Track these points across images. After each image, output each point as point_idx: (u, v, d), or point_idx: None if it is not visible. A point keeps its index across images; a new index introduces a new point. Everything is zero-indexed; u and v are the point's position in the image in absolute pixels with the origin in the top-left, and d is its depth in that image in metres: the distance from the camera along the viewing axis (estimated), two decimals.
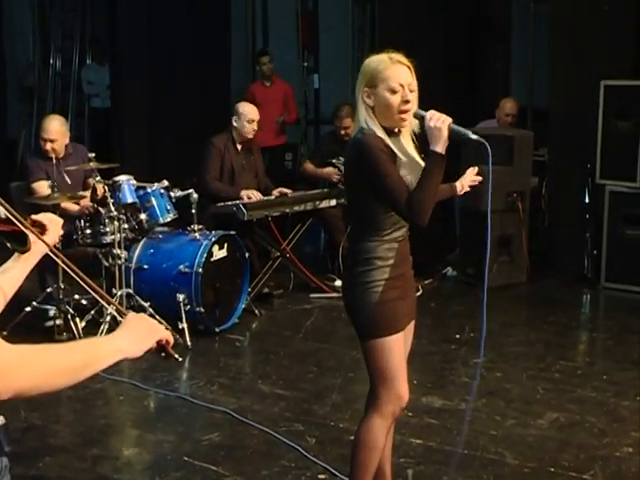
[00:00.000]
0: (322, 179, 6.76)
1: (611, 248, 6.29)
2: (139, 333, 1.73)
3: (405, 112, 2.74)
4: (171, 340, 1.84)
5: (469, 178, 3.28)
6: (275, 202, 6.10)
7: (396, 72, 2.73)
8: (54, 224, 2.06)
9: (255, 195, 5.98)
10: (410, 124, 2.81)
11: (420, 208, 2.67)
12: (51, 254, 1.99)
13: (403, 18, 7.34)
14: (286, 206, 6.09)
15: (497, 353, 4.99)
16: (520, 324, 5.73)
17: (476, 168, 2.90)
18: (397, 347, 2.84)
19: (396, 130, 2.81)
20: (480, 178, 2.80)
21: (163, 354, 1.87)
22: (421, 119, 2.73)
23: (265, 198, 6.12)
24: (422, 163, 2.80)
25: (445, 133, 2.67)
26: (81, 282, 1.92)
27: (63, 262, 1.93)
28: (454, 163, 2.91)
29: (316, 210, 6.31)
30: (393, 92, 2.72)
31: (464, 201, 6.54)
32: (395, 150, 2.75)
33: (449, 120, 2.69)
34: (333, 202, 6.35)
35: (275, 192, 6.23)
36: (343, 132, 6.52)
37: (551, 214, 7.06)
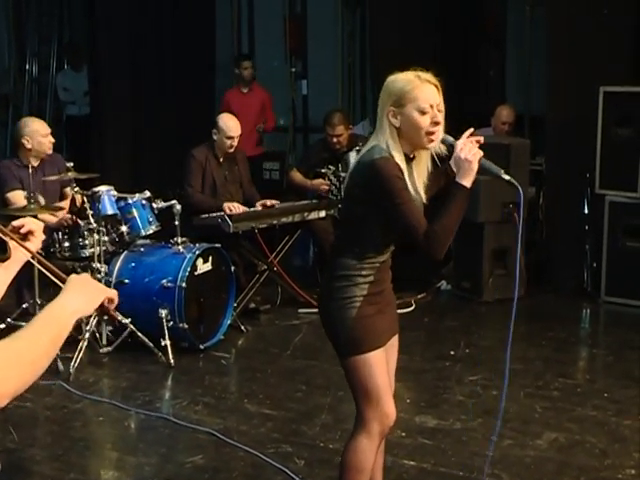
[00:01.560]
0: (310, 191, 6.77)
1: (611, 261, 6.31)
2: (87, 290, 1.78)
3: (433, 133, 2.73)
4: (115, 299, 1.87)
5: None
6: (262, 213, 6.11)
7: (425, 92, 2.72)
8: (36, 229, 2.07)
9: (237, 208, 5.97)
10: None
11: (437, 241, 2.68)
12: (33, 261, 1.98)
13: (394, 23, 7.38)
14: (273, 217, 6.10)
15: (493, 370, 4.99)
16: (517, 340, 5.68)
17: (472, 129, 2.82)
18: (379, 363, 2.83)
19: (412, 156, 2.80)
20: (481, 139, 2.73)
21: (105, 316, 1.88)
22: (450, 147, 2.73)
23: (252, 209, 6.12)
24: (423, 196, 2.80)
25: (475, 167, 2.68)
26: (57, 281, 1.90)
27: (44, 266, 1.92)
28: None
29: (305, 222, 6.32)
30: (423, 113, 2.71)
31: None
32: (406, 177, 2.74)
33: (480, 153, 2.69)
34: (322, 213, 6.36)
35: (258, 205, 6.22)
36: (335, 140, 6.53)
37: (549, 225, 7.09)
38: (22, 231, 2.03)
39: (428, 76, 2.77)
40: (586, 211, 6.56)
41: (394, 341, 3.00)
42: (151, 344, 5.16)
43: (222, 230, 5.75)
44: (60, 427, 4.33)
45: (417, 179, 2.83)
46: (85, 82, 8.99)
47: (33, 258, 1.97)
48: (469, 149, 2.68)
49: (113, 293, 1.87)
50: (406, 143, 2.76)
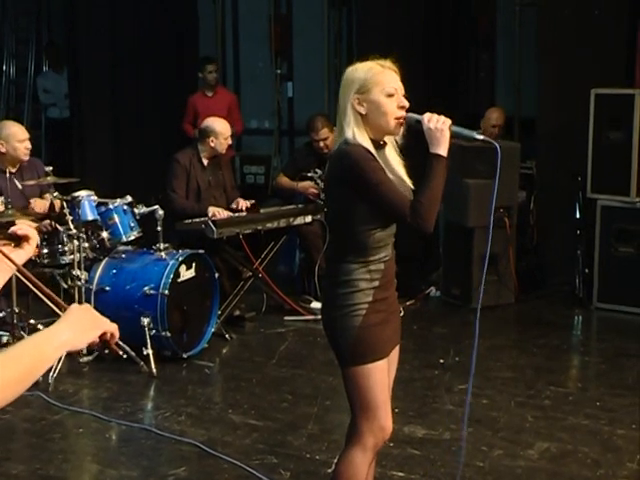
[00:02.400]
0: (298, 193, 6.77)
1: (604, 266, 6.34)
2: (82, 324, 1.75)
3: (402, 118, 2.77)
4: (116, 334, 1.84)
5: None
6: (247, 219, 6.10)
7: (388, 77, 2.78)
8: (32, 236, 2.05)
9: (222, 213, 5.97)
10: (391, 138, 2.84)
11: (425, 213, 2.68)
12: (18, 274, 1.96)
13: (381, 23, 7.40)
14: (259, 223, 6.09)
15: (484, 378, 5.01)
16: (508, 347, 5.75)
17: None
18: (380, 375, 2.83)
19: (382, 142, 2.83)
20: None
21: (107, 350, 1.88)
22: (417, 123, 2.74)
23: (236, 215, 6.12)
24: (408, 181, 2.83)
25: (447, 134, 2.70)
26: (42, 296, 1.91)
27: (29, 280, 1.91)
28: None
29: (291, 227, 6.32)
30: (389, 96, 2.75)
31: (448, 216, 6.60)
32: (382, 163, 2.77)
33: (449, 121, 2.72)
34: (309, 218, 6.36)
35: (235, 204, 6.22)
36: (322, 144, 6.53)
37: (540, 230, 7.11)
38: (20, 233, 2.01)
39: (389, 63, 2.81)
40: (578, 216, 6.58)
41: (395, 352, 2.99)
42: (133, 353, 5.14)
43: (206, 236, 5.74)
44: (38, 439, 4.31)
45: (395, 165, 2.84)
46: (66, 84, 8.97)
47: (19, 272, 1.95)
48: (436, 119, 2.71)
49: (113, 327, 1.85)
50: (373, 130, 2.78)
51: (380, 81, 2.76)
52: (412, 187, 2.81)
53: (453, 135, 2.72)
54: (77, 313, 1.77)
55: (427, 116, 2.72)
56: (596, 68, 6.46)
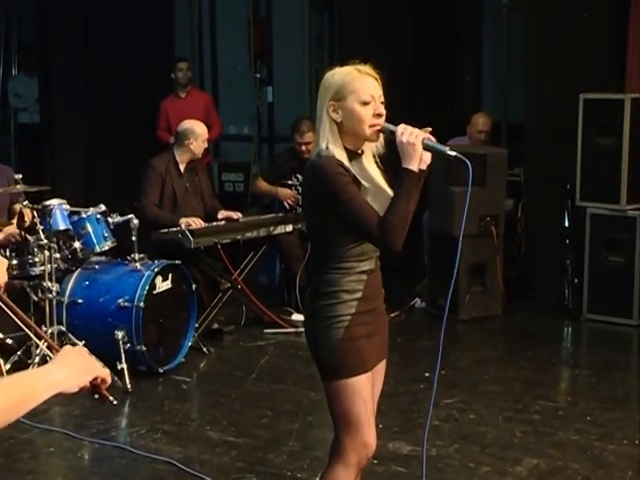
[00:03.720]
0: (277, 199, 6.77)
1: (593, 276, 6.37)
2: (76, 367, 1.79)
3: (377, 126, 2.77)
4: (108, 380, 1.89)
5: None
6: (225, 228, 6.09)
7: (365, 83, 2.77)
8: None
9: (196, 223, 5.95)
10: (372, 144, 2.85)
11: (393, 232, 2.68)
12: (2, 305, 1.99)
13: (364, 26, 7.42)
14: (237, 232, 6.09)
15: (470, 393, 5.02)
16: (495, 360, 5.77)
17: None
18: (363, 389, 2.83)
19: (359, 152, 2.83)
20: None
21: (97, 395, 1.91)
22: (391, 134, 2.75)
23: (213, 224, 6.10)
24: (388, 189, 2.83)
25: (419, 149, 2.69)
26: (12, 315, 1.91)
27: (6, 305, 1.94)
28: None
29: (271, 236, 6.32)
30: (364, 104, 2.75)
31: (433, 225, 6.62)
32: (357, 175, 2.77)
33: (423, 135, 2.71)
34: (289, 227, 6.36)
35: (221, 215, 6.22)
36: (304, 148, 6.53)
37: (528, 239, 7.15)
38: None
39: (367, 69, 2.81)
40: (567, 224, 6.62)
41: (381, 366, 2.98)
42: (106, 368, 5.10)
43: (182, 246, 5.73)
44: (6, 459, 4.28)
45: (373, 174, 2.85)
46: (37, 88, 8.94)
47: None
48: (410, 132, 2.70)
49: (105, 373, 1.89)
50: (349, 139, 2.79)
51: (356, 88, 2.76)
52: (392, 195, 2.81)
53: (426, 150, 2.72)
54: (71, 355, 1.79)
55: (400, 128, 2.72)
56: (585, 72, 6.51)
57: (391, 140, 2.77)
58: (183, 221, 5.92)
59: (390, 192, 2.81)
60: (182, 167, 6.20)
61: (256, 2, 9.24)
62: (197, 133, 6.16)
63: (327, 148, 2.77)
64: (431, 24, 7.87)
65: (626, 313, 6.24)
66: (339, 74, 2.80)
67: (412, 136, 2.69)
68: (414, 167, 2.70)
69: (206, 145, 6.26)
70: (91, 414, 4.78)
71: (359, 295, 2.81)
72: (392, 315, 6.43)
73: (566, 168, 6.43)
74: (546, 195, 6.76)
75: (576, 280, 6.55)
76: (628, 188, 6.15)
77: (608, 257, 6.32)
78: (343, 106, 2.76)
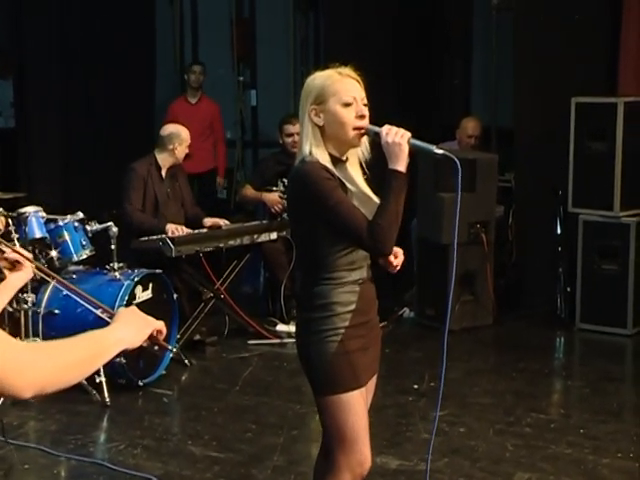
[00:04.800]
0: (263, 205, 6.77)
1: (586, 285, 6.39)
2: (136, 324, 2.01)
3: (361, 128, 2.78)
4: (164, 331, 2.13)
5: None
6: (207, 236, 6.09)
7: (346, 85, 2.79)
8: (24, 261, 2.46)
9: (180, 230, 5.94)
10: (357, 150, 2.85)
11: (384, 236, 2.69)
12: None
13: (350, 28, 7.44)
14: (220, 240, 6.08)
15: (460, 405, 5.02)
16: (486, 372, 5.77)
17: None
18: (358, 405, 2.82)
19: (344, 158, 2.84)
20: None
21: (156, 347, 2.16)
22: (375, 136, 2.76)
23: (196, 231, 6.10)
24: (373, 196, 2.84)
25: (406, 149, 2.70)
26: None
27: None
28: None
29: (254, 244, 6.31)
30: (346, 105, 2.76)
31: (422, 232, 6.63)
32: (343, 180, 2.78)
33: (408, 134, 2.72)
34: (274, 235, 6.36)
35: (207, 222, 6.22)
36: (291, 140, 6.46)
37: (519, 247, 7.16)
38: (11, 257, 2.40)
39: (348, 71, 2.83)
40: (559, 231, 6.64)
41: (372, 381, 2.98)
42: (84, 381, 5.10)
43: (163, 254, 5.72)
44: None
45: (358, 180, 2.85)
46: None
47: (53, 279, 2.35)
48: (395, 132, 2.71)
49: (160, 324, 2.11)
50: (333, 143, 2.80)
51: (337, 90, 2.77)
52: (379, 202, 2.81)
53: (412, 149, 2.73)
54: (128, 314, 2.02)
55: (385, 129, 2.73)
56: (577, 75, 6.54)
57: (376, 143, 2.78)
58: (169, 227, 5.92)
59: (376, 199, 2.82)
60: (164, 172, 6.20)
61: (239, 3, 9.27)
62: (182, 138, 6.18)
63: (311, 153, 2.77)
64: (419, 26, 7.90)
65: (620, 322, 6.26)
66: (320, 78, 2.82)
67: (397, 136, 2.70)
68: (401, 168, 2.71)
69: (187, 151, 6.28)
70: (68, 429, 4.76)
71: (353, 307, 2.81)
72: (380, 325, 6.42)
73: (558, 173, 6.45)
74: (537, 201, 6.78)
75: (569, 289, 6.57)
76: (621, 194, 6.18)
77: (601, 265, 6.34)
78: (325, 109, 2.77)
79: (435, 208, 6.35)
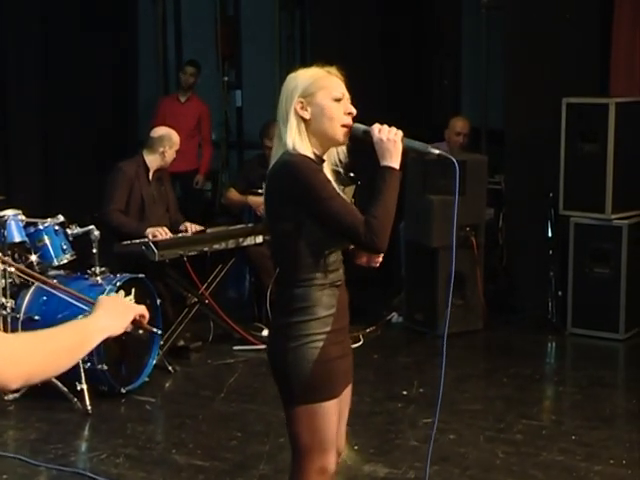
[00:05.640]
0: (248, 208, 6.77)
1: (578, 289, 6.41)
2: (117, 311, 2.04)
3: (349, 126, 2.78)
4: (146, 314, 2.15)
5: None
6: (191, 239, 6.08)
7: (336, 82, 2.81)
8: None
9: (162, 233, 5.92)
10: (332, 152, 2.85)
11: (381, 230, 2.69)
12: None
13: (337, 27, 7.45)
14: (204, 244, 6.07)
15: (450, 412, 5.02)
16: (476, 377, 5.79)
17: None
18: (333, 415, 2.82)
19: (323, 158, 2.83)
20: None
21: (141, 331, 2.21)
22: (364, 134, 2.75)
23: (180, 235, 6.09)
24: (345, 197, 2.85)
25: (400, 145, 2.71)
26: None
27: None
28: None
29: (240, 248, 6.31)
30: (336, 100, 2.77)
31: (410, 235, 6.64)
32: (327, 175, 2.78)
33: (401, 133, 2.73)
34: (259, 239, 6.36)
35: (183, 226, 6.20)
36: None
37: (509, 250, 7.18)
38: None
39: (334, 70, 2.84)
40: (550, 234, 6.66)
41: (347, 392, 2.97)
42: (65, 389, 5.08)
43: (146, 258, 5.70)
44: None
45: (335, 183, 2.83)
46: None
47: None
48: (387, 130, 2.73)
49: (142, 309, 2.15)
50: (317, 139, 2.79)
51: (326, 85, 2.79)
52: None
53: (405, 148, 2.73)
54: (109, 302, 2.05)
55: (377, 127, 2.74)
56: (568, 76, 6.56)
57: (360, 140, 2.76)
58: (149, 231, 5.88)
59: (347, 200, 2.84)
60: (151, 174, 6.19)
61: (224, 1, 9.26)
62: (173, 141, 6.18)
63: (294, 147, 2.75)
64: (407, 24, 7.91)
65: (612, 327, 6.29)
66: (305, 73, 2.82)
67: (391, 133, 2.71)
68: (396, 164, 2.72)
69: (175, 156, 6.28)
70: (48, 438, 4.74)
71: (333, 310, 2.80)
72: (367, 330, 6.45)
73: (549, 175, 6.48)
74: (528, 204, 6.80)
75: (560, 293, 6.60)
76: (613, 196, 6.21)
77: (593, 268, 6.36)
78: (313, 102, 2.77)
79: (424, 210, 6.36)
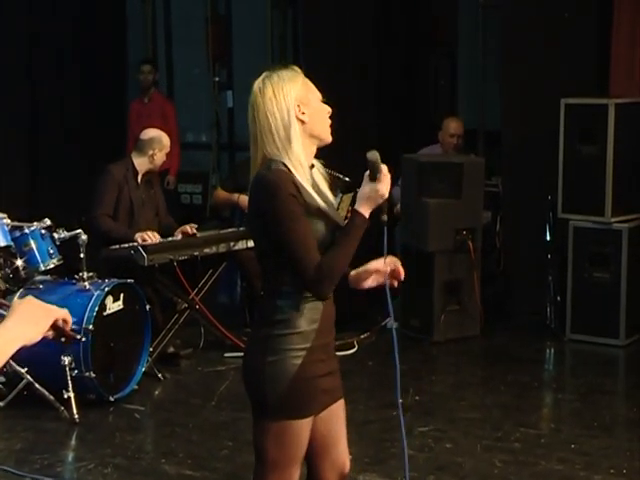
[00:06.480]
0: (238, 209, 6.76)
1: (577, 294, 6.41)
2: (31, 316, 1.90)
3: (330, 125, 2.86)
4: (69, 319, 1.99)
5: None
6: (181, 244, 6.07)
7: (309, 83, 2.86)
8: None
9: (151, 237, 5.90)
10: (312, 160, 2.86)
11: (329, 278, 2.69)
12: None
13: (330, 26, 7.44)
14: (195, 248, 6.06)
15: (447, 420, 5.02)
16: (473, 385, 5.79)
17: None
18: (306, 433, 2.79)
19: (310, 164, 2.83)
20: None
21: (63, 339, 2.02)
22: (373, 168, 2.72)
23: (169, 239, 6.08)
24: (333, 201, 2.88)
25: (384, 200, 2.73)
26: None
27: None
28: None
29: (231, 253, 6.30)
30: (323, 102, 2.85)
31: (405, 239, 6.64)
32: (308, 188, 2.73)
33: (389, 187, 2.75)
34: (251, 243, 6.34)
35: (178, 232, 6.19)
36: None
37: (507, 254, 7.18)
38: None
39: (297, 69, 2.88)
40: (548, 238, 6.66)
41: (338, 406, 2.92)
42: (51, 397, 5.07)
43: (135, 263, 5.69)
44: None
45: (323, 188, 2.84)
46: None
47: None
48: (387, 182, 2.74)
49: (64, 312, 1.98)
50: (310, 142, 2.81)
51: (311, 88, 2.84)
52: (343, 213, 2.84)
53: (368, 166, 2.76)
54: (22, 307, 1.90)
55: (385, 172, 2.73)
56: (566, 76, 6.57)
57: (366, 165, 2.76)
58: (138, 235, 5.87)
59: (334, 202, 2.87)
60: (140, 177, 6.18)
61: (214, 0, 9.25)
62: (164, 144, 6.18)
63: (289, 157, 2.72)
64: (402, 23, 7.92)
65: (612, 333, 6.29)
66: (287, 74, 2.81)
67: (386, 188, 2.73)
68: (368, 214, 2.73)
69: (165, 158, 6.27)
70: (34, 448, 4.73)
71: (316, 326, 2.77)
72: (362, 337, 6.44)
73: (547, 178, 6.48)
74: (526, 207, 6.81)
75: (559, 298, 6.60)
76: (613, 199, 6.21)
77: (593, 273, 6.37)
78: (309, 106, 2.80)
79: (419, 214, 6.37)
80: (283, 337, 2.73)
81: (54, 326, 1.96)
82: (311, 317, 2.76)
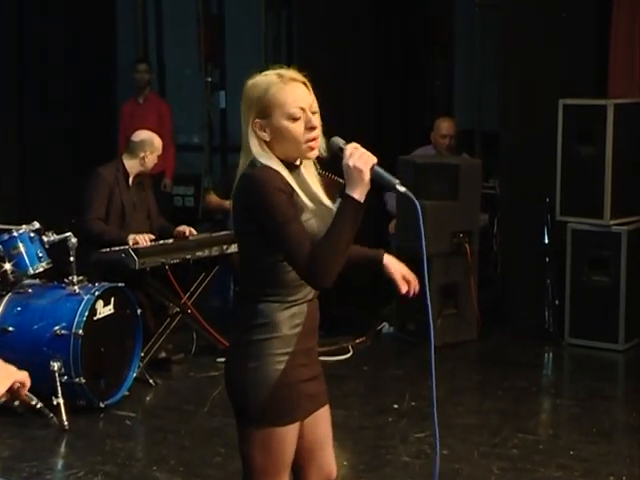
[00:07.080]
0: (229, 212, 6.76)
1: (576, 297, 6.41)
2: None
3: (313, 140, 2.68)
4: (27, 382, 1.90)
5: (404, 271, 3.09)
6: (173, 247, 6.06)
7: (292, 94, 2.68)
8: None
9: (143, 239, 5.89)
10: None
11: (323, 267, 2.59)
12: None
13: (325, 26, 7.45)
14: (187, 251, 6.06)
15: (443, 426, 4.98)
16: (470, 390, 5.78)
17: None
18: (292, 439, 2.76)
19: (297, 162, 2.75)
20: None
21: (17, 402, 1.93)
22: (338, 151, 2.66)
23: (161, 242, 6.07)
24: (328, 202, 2.76)
25: (367, 176, 2.59)
26: None
27: None
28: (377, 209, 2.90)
29: (223, 256, 6.30)
30: (294, 119, 2.66)
31: (401, 242, 6.63)
32: (296, 188, 2.69)
33: (373, 160, 2.62)
34: None
35: (177, 231, 6.19)
36: None
37: (504, 258, 7.19)
38: None
39: (292, 73, 2.71)
40: (546, 241, 6.67)
41: (323, 412, 2.89)
42: (40, 403, 5.04)
43: (126, 266, 5.68)
44: None
45: (314, 187, 2.77)
46: None
47: None
48: (359, 155, 2.60)
49: (23, 376, 1.89)
50: (282, 155, 2.70)
51: (281, 102, 2.66)
52: (334, 208, 2.72)
53: (373, 177, 2.62)
54: None
55: (350, 148, 2.62)
56: (564, 76, 6.58)
57: (336, 156, 2.69)
58: (131, 238, 5.87)
59: (331, 206, 2.74)
60: (131, 180, 6.17)
61: None
62: (155, 146, 6.17)
63: (261, 160, 2.68)
64: (398, 23, 7.93)
65: (611, 337, 6.29)
66: (260, 85, 2.69)
67: (361, 161, 2.59)
68: (358, 195, 2.60)
69: (157, 161, 6.27)
70: (22, 455, 4.71)
71: (299, 330, 2.73)
72: (357, 341, 6.44)
73: (545, 180, 6.48)
74: (524, 209, 6.81)
75: (557, 301, 6.60)
76: (612, 201, 6.21)
77: (591, 276, 6.37)
78: (270, 124, 2.67)
79: (415, 216, 6.35)
80: (264, 342, 2.69)
81: (10, 389, 1.89)
82: (293, 321, 2.72)
